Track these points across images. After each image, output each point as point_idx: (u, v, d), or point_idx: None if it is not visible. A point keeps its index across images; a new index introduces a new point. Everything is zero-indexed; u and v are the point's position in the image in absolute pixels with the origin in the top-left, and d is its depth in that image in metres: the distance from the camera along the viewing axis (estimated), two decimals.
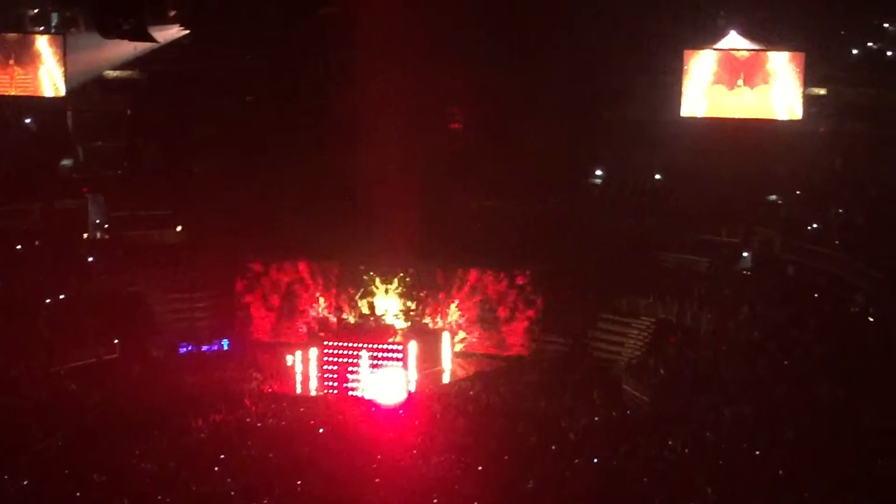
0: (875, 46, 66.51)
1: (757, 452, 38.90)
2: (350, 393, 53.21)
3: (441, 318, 58.28)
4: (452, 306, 58.41)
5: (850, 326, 46.67)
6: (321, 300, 59.16)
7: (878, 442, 36.73)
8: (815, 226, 56.53)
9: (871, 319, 46.36)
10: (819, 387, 41.93)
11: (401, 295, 58.22)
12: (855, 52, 66.05)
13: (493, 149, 62.69)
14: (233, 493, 39.06)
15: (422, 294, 58.39)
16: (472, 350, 58.43)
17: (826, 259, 52.78)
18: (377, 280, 58.38)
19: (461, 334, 58.35)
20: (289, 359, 54.95)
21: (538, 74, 61.82)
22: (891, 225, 51.68)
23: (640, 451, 41.51)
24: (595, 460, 41.07)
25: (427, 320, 57.70)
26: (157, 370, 54.18)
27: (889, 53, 66.06)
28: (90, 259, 61.09)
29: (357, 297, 58.39)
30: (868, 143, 60.24)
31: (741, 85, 59.37)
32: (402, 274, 58.41)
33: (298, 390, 53.97)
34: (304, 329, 57.72)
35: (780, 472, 36.84)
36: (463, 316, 58.46)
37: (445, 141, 63.62)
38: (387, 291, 58.25)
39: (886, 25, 66.20)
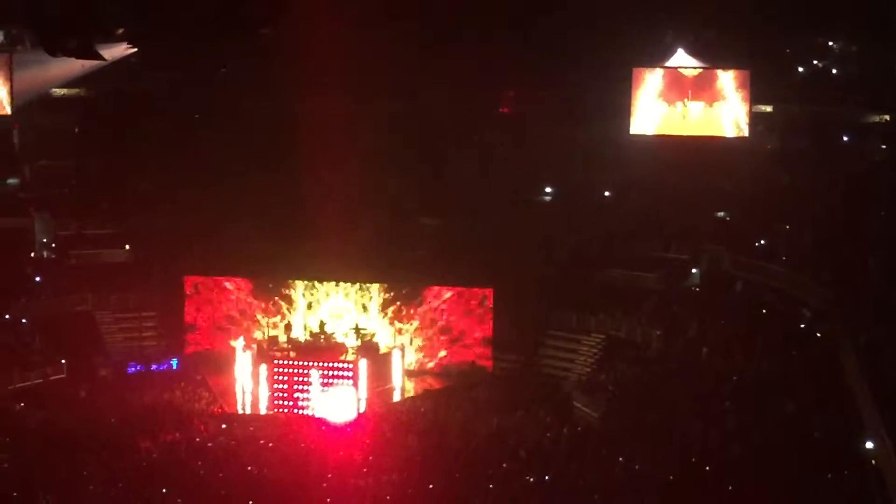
0: (820, 64, 67.24)
1: (707, 468, 39.06)
2: (300, 411, 53.02)
3: (392, 336, 58.23)
4: (403, 324, 58.42)
5: (798, 342, 46.99)
6: (270, 318, 58.95)
7: (826, 456, 36.95)
8: (762, 242, 56.85)
9: (819, 335, 46.65)
10: (767, 402, 42.15)
11: (350, 308, 58.25)
12: (801, 69, 66.73)
13: (439, 167, 62.77)
14: None
15: (372, 311, 58.39)
16: (422, 368, 58.43)
17: (773, 275, 53.12)
18: (327, 297, 58.33)
19: (412, 352, 58.31)
20: (239, 377, 54.74)
21: (486, 92, 61.94)
22: (837, 241, 52.09)
23: (591, 467, 41.57)
24: (546, 477, 41.11)
25: (378, 338, 57.56)
26: (106, 390, 53.70)
27: (834, 71, 66.79)
28: (37, 279, 60.54)
29: (307, 315, 58.29)
30: (814, 159, 60.77)
31: (689, 103, 59.79)
32: (352, 291, 58.46)
33: (249, 409, 53.74)
34: (253, 347, 57.35)
35: (730, 487, 36.99)
36: (413, 333, 58.45)
37: (391, 159, 63.36)
38: (338, 305, 58.29)
39: (831, 44, 66.94)
